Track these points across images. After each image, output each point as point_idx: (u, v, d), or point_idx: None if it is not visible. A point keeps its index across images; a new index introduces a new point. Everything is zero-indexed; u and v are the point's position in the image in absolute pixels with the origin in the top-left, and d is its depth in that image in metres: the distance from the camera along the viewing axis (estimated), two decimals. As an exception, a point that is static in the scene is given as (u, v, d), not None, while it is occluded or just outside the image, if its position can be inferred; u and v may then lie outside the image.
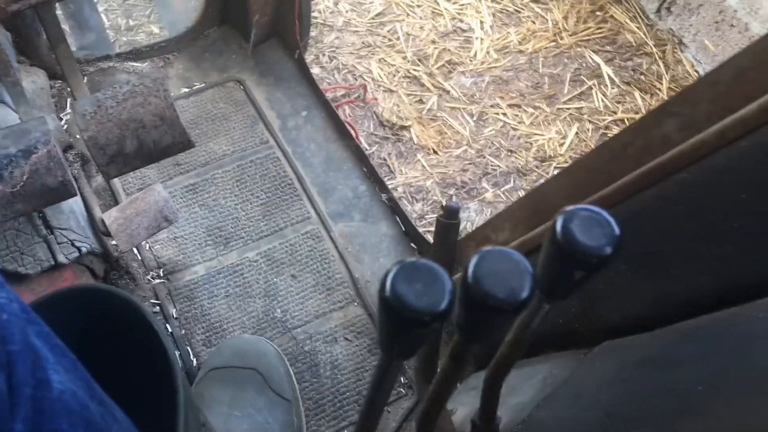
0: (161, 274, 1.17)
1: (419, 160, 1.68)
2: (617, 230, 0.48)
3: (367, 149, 1.62)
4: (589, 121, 1.80)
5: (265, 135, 1.36)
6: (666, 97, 1.86)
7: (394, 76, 1.83)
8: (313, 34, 1.83)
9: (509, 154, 1.74)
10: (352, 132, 1.46)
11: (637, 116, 1.80)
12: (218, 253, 1.20)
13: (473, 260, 0.47)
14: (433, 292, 0.45)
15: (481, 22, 1.98)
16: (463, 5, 2.02)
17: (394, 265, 0.46)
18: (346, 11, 1.96)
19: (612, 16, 2.04)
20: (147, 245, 1.20)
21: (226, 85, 1.42)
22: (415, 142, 1.71)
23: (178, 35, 1.46)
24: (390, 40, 1.91)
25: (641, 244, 0.79)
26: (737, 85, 0.69)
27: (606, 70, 1.90)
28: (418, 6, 2.00)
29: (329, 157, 1.36)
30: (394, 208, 1.32)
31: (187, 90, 1.40)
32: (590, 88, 1.86)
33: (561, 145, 1.75)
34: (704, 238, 0.71)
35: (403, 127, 1.73)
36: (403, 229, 1.30)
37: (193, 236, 1.21)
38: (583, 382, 0.77)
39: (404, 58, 1.87)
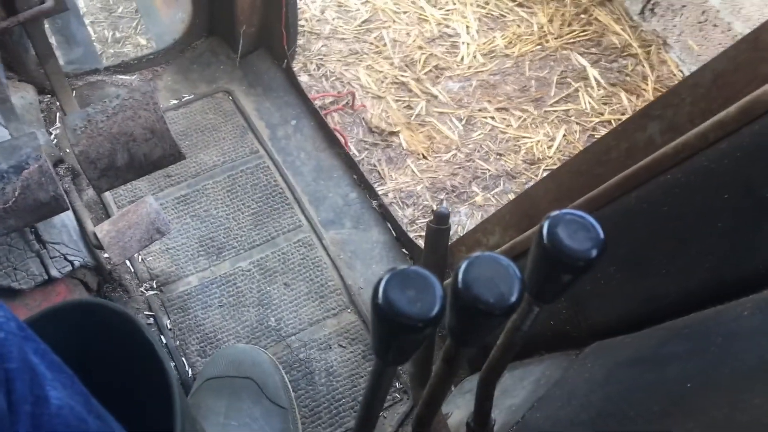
0: (154, 286, 1.17)
1: (409, 165, 1.69)
2: (602, 234, 0.49)
3: (356, 156, 1.64)
4: (577, 123, 1.82)
5: (254, 145, 1.37)
6: (651, 98, 1.88)
7: (382, 82, 1.84)
8: (300, 42, 1.84)
9: (498, 157, 1.75)
10: (342, 139, 1.47)
11: (624, 117, 1.82)
12: (211, 264, 1.21)
13: (462, 266, 0.48)
14: (425, 299, 0.46)
15: (467, 27, 2.00)
16: (448, 11, 2.04)
17: (386, 273, 0.47)
18: (333, 19, 1.97)
19: (596, 19, 2.06)
20: (140, 257, 1.20)
21: (215, 96, 1.43)
22: (405, 147, 1.72)
23: (166, 47, 1.47)
24: (377, 46, 1.92)
25: (628, 246, 0.81)
26: (716, 88, 0.70)
27: (592, 72, 1.92)
28: (404, 12, 2.02)
29: (319, 165, 1.37)
30: (384, 215, 1.33)
31: (176, 102, 1.41)
32: (577, 90, 1.88)
33: (549, 147, 1.77)
34: (689, 238, 0.73)
35: (392, 133, 1.74)
36: (395, 234, 1.31)
37: (186, 247, 1.22)
38: (575, 382, 0.78)
39: (391, 64, 1.88)
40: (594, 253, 0.49)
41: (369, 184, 1.36)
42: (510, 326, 0.60)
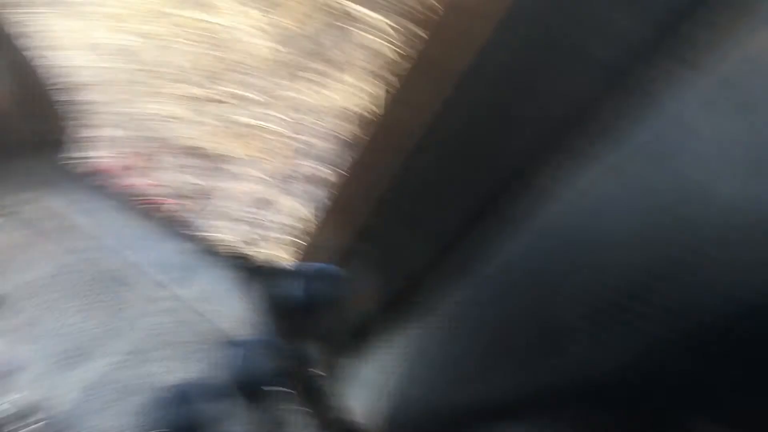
0: (36, 420, 1.17)
1: (243, 172, 1.71)
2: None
3: (184, 186, 1.64)
4: (375, 67, 1.87)
5: (73, 243, 1.36)
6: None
7: (183, 105, 1.84)
8: (81, 99, 1.79)
9: (324, 127, 1.79)
10: (155, 195, 1.48)
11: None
12: (83, 371, 1.21)
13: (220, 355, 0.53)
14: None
15: (240, 20, 1.99)
16: (218, 10, 2.02)
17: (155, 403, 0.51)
18: (104, 66, 1.93)
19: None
20: (5, 403, 1.19)
21: (13, 210, 1.40)
22: (234, 156, 1.73)
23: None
24: (160, 73, 1.90)
25: (415, 205, 0.87)
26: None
27: (364, 11, 1.96)
28: (183, 30, 1.99)
29: (143, 231, 1.38)
30: (222, 252, 1.36)
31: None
32: (357, 34, 1.93)
33: (364, 99, 1.82)
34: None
35: (216, 152, 1.75)
36: (241, 264, 1.34)
37: (51, 367, 1.22)
38: (410, 350, 0.85)
39: (180, 85, 1.87)
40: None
41: (193, 231, 1.38)
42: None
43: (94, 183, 1.45)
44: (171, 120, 1.79)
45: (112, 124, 1.78)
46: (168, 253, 1.35)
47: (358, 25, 1.93)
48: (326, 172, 1.73)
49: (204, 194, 1.66)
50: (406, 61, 0.89)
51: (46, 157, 1.49)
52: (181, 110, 1.81)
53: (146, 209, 1.41)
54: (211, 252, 1.35)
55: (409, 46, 0.71)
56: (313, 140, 1.77)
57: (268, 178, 1.70)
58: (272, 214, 1.68)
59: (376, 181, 0.93)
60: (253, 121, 1.79)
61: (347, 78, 1.85)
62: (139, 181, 1.57)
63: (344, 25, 1.94)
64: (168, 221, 1.40)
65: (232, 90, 1.84)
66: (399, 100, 0.91)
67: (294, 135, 1.77)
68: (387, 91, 0.92)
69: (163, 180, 1.63)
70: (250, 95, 1.84)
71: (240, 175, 1.70)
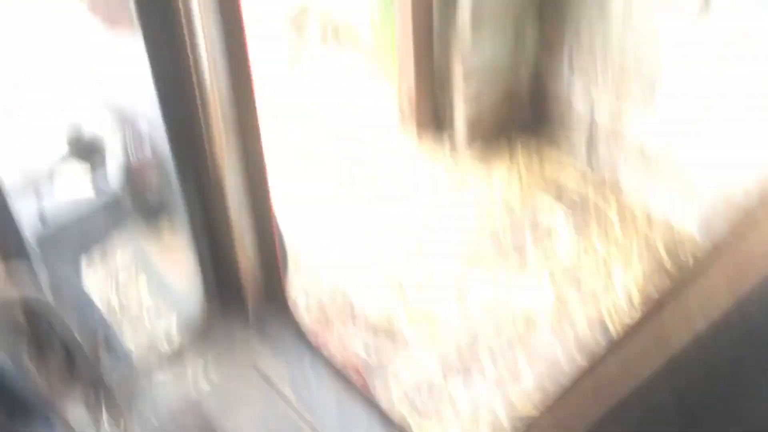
0: None
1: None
2: None
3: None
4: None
5: (283, 408, 1.51)
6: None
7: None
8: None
9: (499, 329, 1.85)
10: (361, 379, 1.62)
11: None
12: None
13: None
14: None
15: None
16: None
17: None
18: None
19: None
20: None
21: (241, 372, 1.60)
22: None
23: (186, 338, 1.65)
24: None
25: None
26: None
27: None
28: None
29: (342, 413, 1.52)
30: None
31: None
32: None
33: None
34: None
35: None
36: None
37: None
38: None
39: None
40: None
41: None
42: None
43: (309, 356, 1.61)
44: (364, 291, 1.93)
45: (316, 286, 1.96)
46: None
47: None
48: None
49: (377, 369, 1.73)
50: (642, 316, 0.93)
51: (275, 318, 1.69)
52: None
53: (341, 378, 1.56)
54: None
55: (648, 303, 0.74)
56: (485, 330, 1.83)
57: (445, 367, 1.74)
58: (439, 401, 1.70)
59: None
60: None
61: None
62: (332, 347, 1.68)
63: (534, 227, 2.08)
64: (355, 393, 1.53)
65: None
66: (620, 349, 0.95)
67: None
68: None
69: (347, 348, 1.75)
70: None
71: (418, 358, 1.78)
